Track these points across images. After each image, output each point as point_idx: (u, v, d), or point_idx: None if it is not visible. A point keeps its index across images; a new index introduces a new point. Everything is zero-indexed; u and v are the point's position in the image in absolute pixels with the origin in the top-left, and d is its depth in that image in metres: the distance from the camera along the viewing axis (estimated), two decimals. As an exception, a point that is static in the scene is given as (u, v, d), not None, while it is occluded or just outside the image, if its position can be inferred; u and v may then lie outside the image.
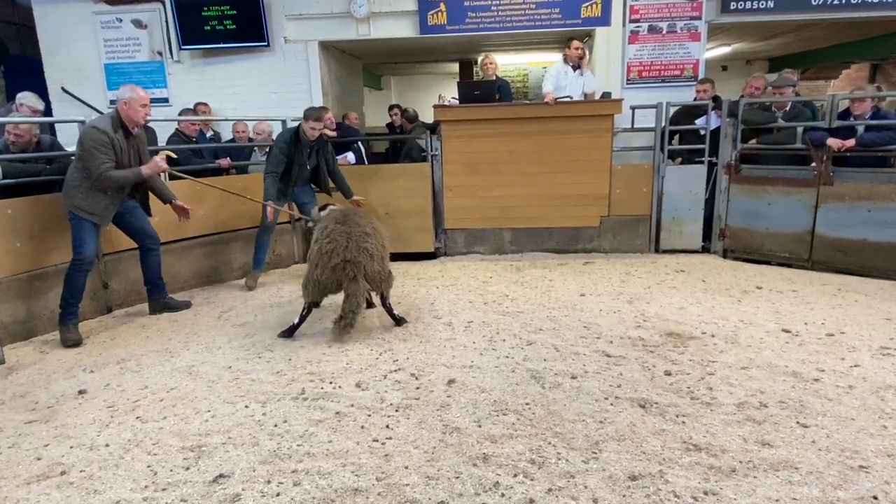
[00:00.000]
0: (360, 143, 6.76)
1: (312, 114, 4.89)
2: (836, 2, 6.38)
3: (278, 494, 2.19)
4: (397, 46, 8.09)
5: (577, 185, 5.98)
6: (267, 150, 6.35)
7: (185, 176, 4.62)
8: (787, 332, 3.74)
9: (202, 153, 6.01)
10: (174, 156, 4.12)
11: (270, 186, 4.88)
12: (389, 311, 4.00)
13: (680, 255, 5.98)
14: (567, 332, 3.83)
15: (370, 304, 4.27)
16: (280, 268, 6.03)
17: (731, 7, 6.51)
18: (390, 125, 8.08)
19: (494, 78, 6.37)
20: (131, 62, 7.25)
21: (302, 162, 5.02)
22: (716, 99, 5.87)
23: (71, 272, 3.98)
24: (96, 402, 3.04)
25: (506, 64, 11.05)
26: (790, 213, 5.34)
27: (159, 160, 4.12)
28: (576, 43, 6.11)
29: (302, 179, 5.17)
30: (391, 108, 8.10)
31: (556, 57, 7.31)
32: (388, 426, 2.67)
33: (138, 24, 7.14)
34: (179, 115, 6.24)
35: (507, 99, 6.42)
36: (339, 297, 3.75)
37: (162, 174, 4.29)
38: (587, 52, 6.10)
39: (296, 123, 6.37)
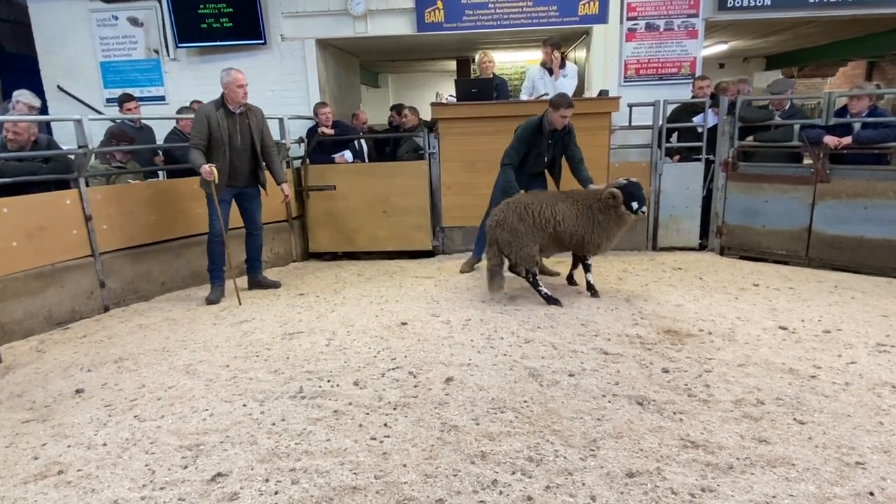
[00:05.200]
0: (362, 140, 6.75)
1: (563, 101, 4.51)
2: (832, -1, 6.39)
3: (276, 493, 2.19)
4: (394, 44, 8.08)
5: (574, 182, 5.96)
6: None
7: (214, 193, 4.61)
8: (784, 329, 3.75)
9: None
10: (215, 172, 4.45)
11: (512, 179, 4.65)
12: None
13: (677, 253, 6.00)
14: (565, 329, 3.84)
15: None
16: (278, 266, 6.02)
17: (729, 4, 6.51)
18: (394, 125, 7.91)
19: (492, 76, 6.37)
20: (127, 60, 7.24)
21: (539, 153, 4.77)
22: (713, 97, 5.88)
23: (208, 243, 4.75)
24: (94, 401, 3.04)
25: (503, 62, 11.05)
26: (787, 210, 5.35)
27: (208, 168, 4.38)
28: (543, 48, 6.08)
29: (536, 170, 4.90)
30: (398, 107, 7.86)
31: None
32: (386, 424, 2.67)
33: (134, 21, 7.12)
34: (177, 113, 6.22)
35: (504, 97, 6.42)
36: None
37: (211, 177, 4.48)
38: (561, 57, 6.07)
39: (293, 121, 6.41)
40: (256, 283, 5.15)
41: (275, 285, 5.17)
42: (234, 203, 4.87)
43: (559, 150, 4.79)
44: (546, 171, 5.01)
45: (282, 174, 5.02)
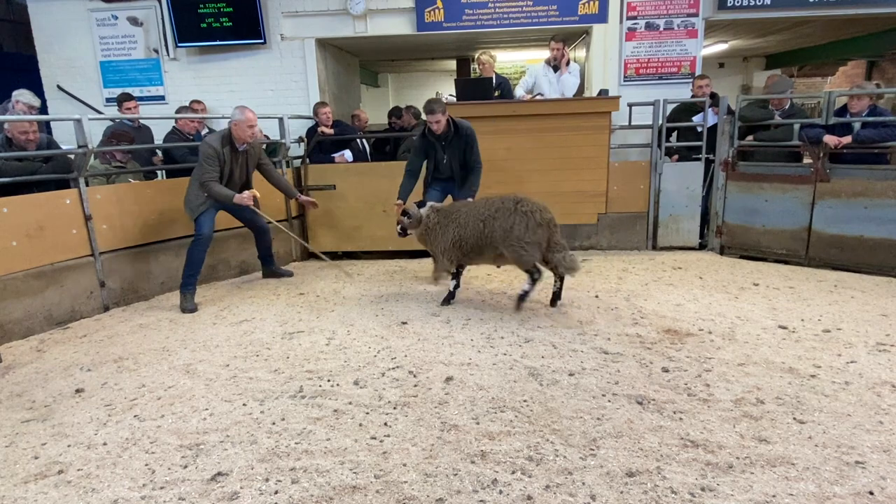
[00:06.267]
0: (363, 140, 6.75)
1: (426, 107, 4.47)
2: (832, -2, 6.40)
3: (276, 492, 2.19)
4: (394, 44, 8.08)
5: (574, 182, 5.98)
6: (263, 148, 6.35)
7: (266, 216, 5.12)
8: (784, 328, 3.75)
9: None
10: (258, 195, 4.80)
11: (404, 184, 4.64)
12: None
13: (677, 252, 6.00)
14: (564, 329, 3.84)
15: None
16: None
17: (728, 4, 6.51)
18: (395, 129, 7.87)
19: (493, 75, 6.38)
20: (127, 60, 7.24)
21: (436, 158, 4.69)
22: (713, 96, 5.88)
23: (190, 247, 4.63)
24: (94, 400, 3.04)
25: (503, 61, 11.05)
26: (787, 209, 5.35)
27: (248, 196, 4.65)
28: (552, 44, 6.12)
29: (444, 175, 4.77)
30: (396, 111, 7.80)
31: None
32: (386, 424, 2.67)
33: (134, 21, 7.12)
34: (176, 112, 6.22)
35: (508, 96, 6.43)
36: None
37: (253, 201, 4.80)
38: (566, 53, 6.11)
39: (293, 120, 6.41)
40: (271, 272, 5.46)
41: (288, 274, 5.50)
42: (227, 211, 4.97)
43: (455, 154, 4.63)
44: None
45: (292, 189, 5.28)
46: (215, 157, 4.49)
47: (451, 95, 6.55)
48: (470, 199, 4.56)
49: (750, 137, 5.69)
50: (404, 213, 4.39)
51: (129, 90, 6.75)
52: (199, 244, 4.62)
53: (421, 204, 4.51)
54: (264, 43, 7.01)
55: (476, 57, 6.55)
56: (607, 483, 2.18)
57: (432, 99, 4.55)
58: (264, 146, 6.28)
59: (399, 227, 4.43)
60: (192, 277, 4.63)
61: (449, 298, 4.49)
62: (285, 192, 5.30)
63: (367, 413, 2.77)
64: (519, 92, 6.43)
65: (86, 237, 4.46)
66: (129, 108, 5.86)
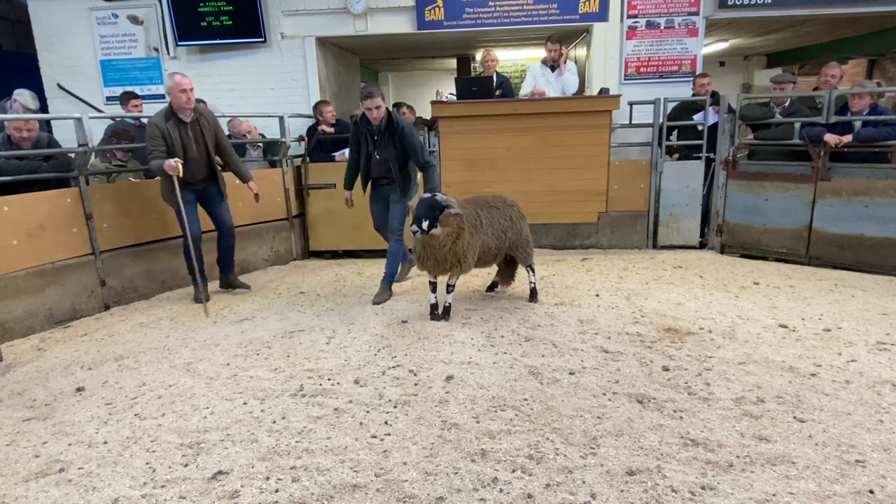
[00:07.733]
0: None
1: (362, 92, 4.16)
2: (833, -3, 6.40)
3: (277, 491, 2.19)
4: (394, 42, 8.07)
5: (574, 181, 5.99)
6: (260, 145, 6.34)
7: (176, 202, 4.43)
8: (785, 327, 3.75)
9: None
10: (180, 166, 4.26)
11: (348, 175, 4.47)
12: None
13: (677, 251, 6.00)
14: (565, 328, 3.84)
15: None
16: (278, 265, 6.02)
17: (729, 2, 6.51)
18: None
19: (494, 74, 6.37)
20: (127, 58, 7.24)
21: (368, 153, 4.36)
22: (714, 95, 5.88)
23: (185, 248, 4.54)
24: (94, 399, 3.04)
25: (504, 60, 11.03)
26: (787, 208, 5.35)
27: (173, 163, 4.17)
28: (549, 45, 6.15)
29: (378, 174, 4.42)
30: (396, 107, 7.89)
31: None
32: (386, 422, 2.67)
33: (134, 20, 7.12)
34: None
35: (509, 95, 6.43)
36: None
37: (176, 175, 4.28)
38: (565, 52, 6.14)
39: (294, 119, 6.41)
40: (228, 283, 5.02)
41: (245, 286, 5.04)
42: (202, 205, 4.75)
43: (389, 151, 4.30)
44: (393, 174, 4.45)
45: (246, 172, 4.85)
46: (158, 134, 4.25)
47: (451, 94, 6.55)
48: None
49: (750, 136, 5.69)
50: (440, 207, 3.54)
51: (129, 89, 6.75)
52: (187, 243, 4.46)
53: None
54: (264, 42, 7.00)
55: (482, 55, 6.53)
56: (607, 482, 2.18)
57: (369, 84, 4.32)
58: (260, 144, 6.31)
59: (426, 222, 3.51)
60: (194, 272, 4.63)
61: (448, 311, 4.08)
62: (238, 175, 4.82)
63: (368, 412, 2.77)
64: (525, 91, 6.43)
65: (86, 236, 4.46)
66: (136, 106, 5.87)
